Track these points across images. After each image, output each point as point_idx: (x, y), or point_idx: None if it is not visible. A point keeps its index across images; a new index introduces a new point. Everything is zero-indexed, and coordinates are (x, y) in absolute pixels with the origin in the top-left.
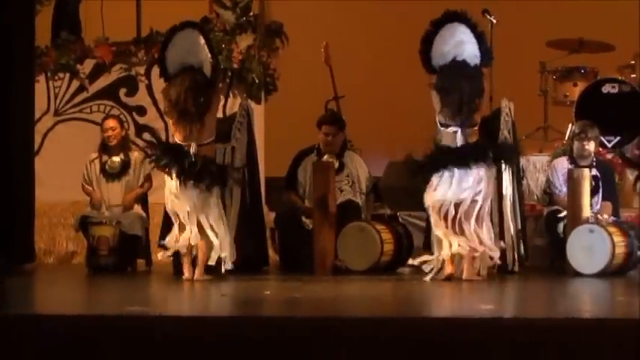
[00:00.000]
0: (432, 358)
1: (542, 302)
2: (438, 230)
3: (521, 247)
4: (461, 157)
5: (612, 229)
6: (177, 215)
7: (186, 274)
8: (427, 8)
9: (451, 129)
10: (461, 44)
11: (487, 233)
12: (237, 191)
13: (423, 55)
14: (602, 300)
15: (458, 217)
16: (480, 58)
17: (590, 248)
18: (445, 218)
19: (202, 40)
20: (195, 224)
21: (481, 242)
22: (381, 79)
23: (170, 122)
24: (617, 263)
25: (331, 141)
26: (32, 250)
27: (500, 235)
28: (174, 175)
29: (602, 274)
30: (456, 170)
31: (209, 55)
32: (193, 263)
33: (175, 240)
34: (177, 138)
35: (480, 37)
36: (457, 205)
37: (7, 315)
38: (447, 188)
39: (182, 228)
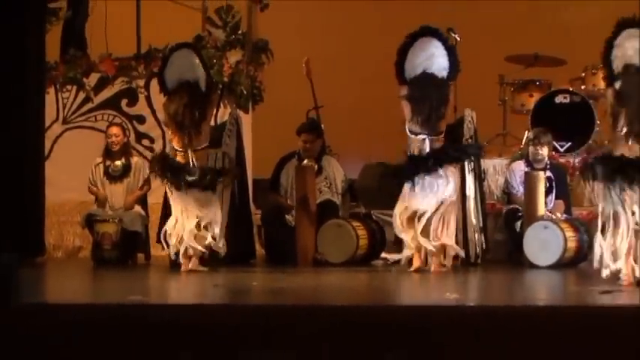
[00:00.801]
0: (402, 343)
1: (502, 291)
2: (404, 235)
3: (483, 242)
4: (431, 163)
5: (564, 225)
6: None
7: (184, 267)
8: (399, 27)
9: (420, 136)
10: (432, 57)
11: (451, 231)
12: (227, 191)
13: (398, 65)
14: (555, 289)
15: (426, 217)
16: (447, 71)
17: (544, 243)
18: (412, 219)
19: (197, 59)
20: (193, 222)
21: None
22: (356, 91)
23: (169, 131)
24: (569, 256)
25: (309, 147)
26: (42, 245)
27: (464, 231)
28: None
29: (556, 266)
30: (426, 177)
31: (204, 72)
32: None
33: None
34: (174, 144)
35: (450, 51)
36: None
37: (20, 303)
38: (417, 197)
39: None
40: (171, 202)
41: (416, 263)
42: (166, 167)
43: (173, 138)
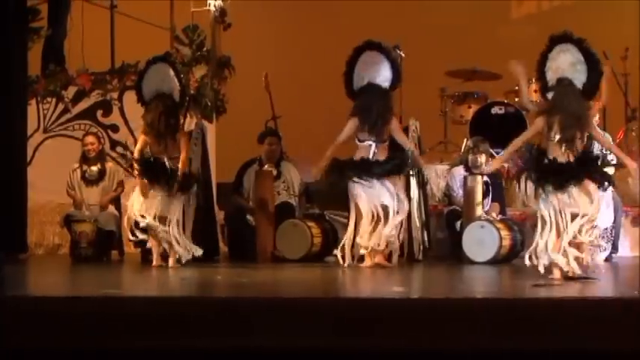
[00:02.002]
0: (352, 332)
1: (443, 285)
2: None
3: (426, 240)
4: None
5: (500, 225)
6: (144, 217)
7: (155, 262)
8: (348, 43)
9: (367, 142)
10: (377, 69)
11: (395, 231)
12: (193, 194)
13: (347, 76)
14: (491, 283)
15: (374, 217)
16: (390, 82)
17: (481, 240)
18: (360, 217)
19: (172, 72)
20: (163, 224)
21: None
22: (310, 102)
23: (146, 138)
24: (503, 253)
25: (274, 149)
26: (25, 243)
27: (409, 229)
28: (154, 185)
29: (492, 262)
30: (375, 181)
31: (177, 84)
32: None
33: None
34: (152, 151)
35: (392, 63)
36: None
37: (5, 295)
38: (368, 196)
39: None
40: (138, 201)
41: (367, 261)
42: (157, 171)
43: (151, 145)
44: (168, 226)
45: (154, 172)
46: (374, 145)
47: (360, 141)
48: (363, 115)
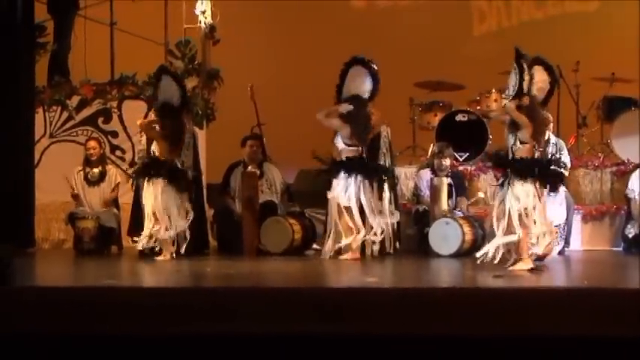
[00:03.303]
0: (330, 318)
1: (412, 276)
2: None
3: (396, 235)
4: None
5: (463, 222)
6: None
7: (168, 256)
8: (327, 58)
9: (353, 147)
10: (362, 82)
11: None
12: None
13: (338, 88)
14: (455, 274)
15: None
16: (370, 93)
17: (446, 236)
18: (341, 214)
19: (176, 84)
20: (165, 219)
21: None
22: (292, 110)
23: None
24: (466, 247)
25: (255, 150)
26: (32, 238)
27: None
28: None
29: (455, 255)
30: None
31: (180, 95)
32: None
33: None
34: (158, 154)
35: (374, 77)
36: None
37: (14, 287)
38: (346, 190)
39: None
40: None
41: (346, 254)
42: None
43: (160, 149)
44: (170, 222)
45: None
46: (358, 148)
47: (347, 145)
48: (354, 124)
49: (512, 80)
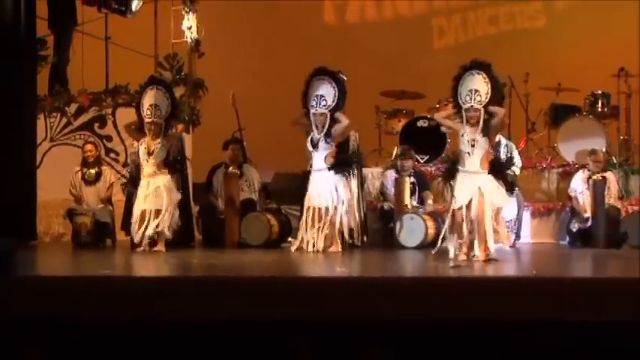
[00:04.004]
0: (304, 305)
1: (379, 266)
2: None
3: (364, 230)
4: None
5: (426, 217)
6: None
7: (162, 247)
8: (300, 69)
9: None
10: (327, 90)
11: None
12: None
13: (304, 95)
14: (418, 265)
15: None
16: (336, 101)
17: (411, 230)
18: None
19: (166, 92)
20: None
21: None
22: (269, 116)
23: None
24: (429, 240)
25: (236, 153)
26: (34, 232)
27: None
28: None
29: (419, 248)
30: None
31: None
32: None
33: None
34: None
35: (337, 86)
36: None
37: (17, 276)
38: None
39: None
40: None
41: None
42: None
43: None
44: (163, 217)
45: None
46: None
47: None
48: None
49: (484, 89)
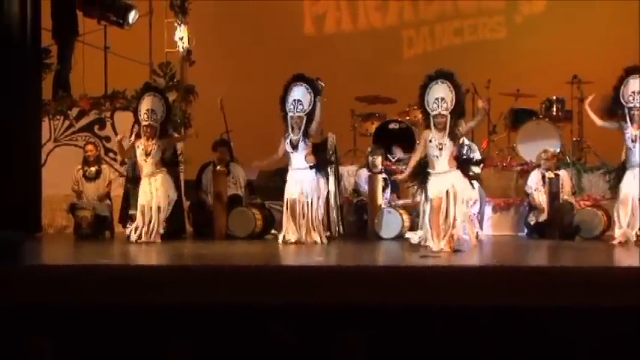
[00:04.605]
0: (286, 291)
1: (354, 256)
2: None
3: (340, 222)
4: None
5: (402, 211)
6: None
7: (158, 238)
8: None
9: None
10: (304, 95)
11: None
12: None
13: (282, 100)
14: (391, 255)
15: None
16: (309, 104)
17: (388, 222)
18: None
19: (162, 99)
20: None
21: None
22: (254, 118)
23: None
24: (404, 232)
25: (223, 153)
26: (40, 225)
27: (328, 215)
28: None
29: (395, 239)
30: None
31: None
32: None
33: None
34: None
35: (314, 91)
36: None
37: (24, 265)
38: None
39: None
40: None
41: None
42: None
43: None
44: (162, 212)
45: None
46: (305, 152)
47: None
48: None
49: (449, 96)
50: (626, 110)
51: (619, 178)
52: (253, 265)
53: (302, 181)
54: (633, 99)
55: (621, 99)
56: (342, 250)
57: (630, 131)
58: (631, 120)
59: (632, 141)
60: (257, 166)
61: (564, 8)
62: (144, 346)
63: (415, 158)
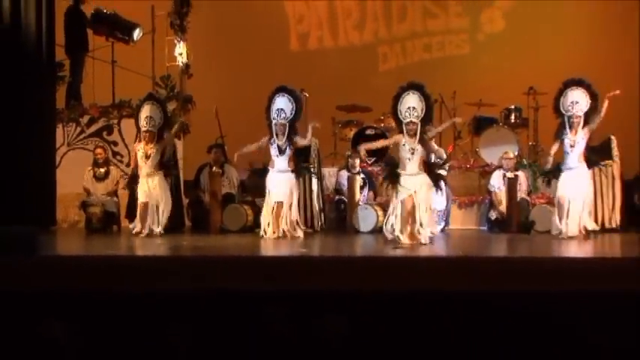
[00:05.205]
0: (273, 278)
1: (335, 248)
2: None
3: (322, 218)
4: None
5: (377, 207)
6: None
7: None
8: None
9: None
10: (286, 105)
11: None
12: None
13: (267, 109)
14: (367, 247)
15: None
16: (293, 114)
17: (364, 217)
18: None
19: (160, 107)
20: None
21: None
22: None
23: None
24: (379, 226)
25: (218, 156)
26: (54, 219)
27: (312, 211)
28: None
29: (371, 232)
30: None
31: (163, 113)
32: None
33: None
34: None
35: (297, 101)
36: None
37: (40, 256)
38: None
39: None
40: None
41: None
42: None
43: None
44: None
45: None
46: (288, 157)
47: (280, 152)
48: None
49: (420, 106)
50: (566, 118)
51: (555, 178)
52: (245, 256)
53: (284, 183)
54: (572, 108)
55: (561, 108)
56: (324, 242)
57: (569, 137)
58: (570, 127)
59: (571, 146)
60: (237, 156)
61: (521, 27)
62: (147, 327)
63: (379, 145)
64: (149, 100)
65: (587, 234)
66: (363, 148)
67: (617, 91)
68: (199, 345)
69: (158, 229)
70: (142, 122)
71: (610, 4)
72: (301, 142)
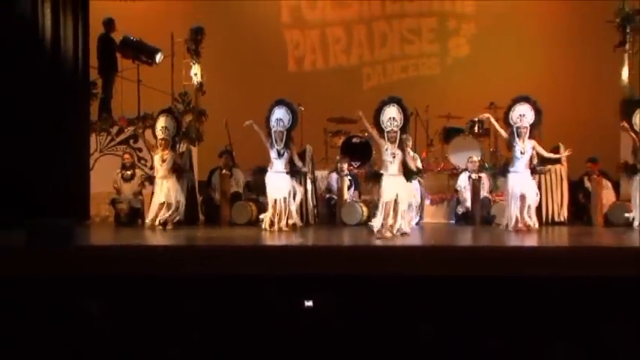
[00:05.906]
0: (273, 264)
1: (326, 239)
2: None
3: (315, 214)
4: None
5: (362, 204)
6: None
7: (171, 226)
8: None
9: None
10: (284, 115)
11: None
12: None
13: (267, 120)
14: (354, 237)
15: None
16: (290, 124)
17: (351, 213)
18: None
19: (174, 118)
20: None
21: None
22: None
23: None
24: (364, 220)
25: (227, 161)
26: (88, 214)
27: (306, 207)
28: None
29: (357, 225)
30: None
31: (176, 124)
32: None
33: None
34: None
35: (293, 112)
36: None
37: (76, 246)
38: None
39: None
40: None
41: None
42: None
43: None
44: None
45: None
46: (285, 160)
47: (279, 156)
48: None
49: (399, 116)
50: (514, 129)
51: (502, 177)
52: (250, 245)
53: (281, 182)
54: (520, 120)
55: (510, 121)
56: (317, 234)
57: (519, 145)
58: (519, 136)
59: (521, 153)
60: (249, 125)
61: (483, 52)
62: (166, 305)
63: (372, 133)
64: (164, 113)
65: (528, 228)
66: (361, 114)
67: (569, 151)
68: (212, 320)
69: (171, 223)
70: (159, 132)
71: (565, 30)
72: (297, 162)
